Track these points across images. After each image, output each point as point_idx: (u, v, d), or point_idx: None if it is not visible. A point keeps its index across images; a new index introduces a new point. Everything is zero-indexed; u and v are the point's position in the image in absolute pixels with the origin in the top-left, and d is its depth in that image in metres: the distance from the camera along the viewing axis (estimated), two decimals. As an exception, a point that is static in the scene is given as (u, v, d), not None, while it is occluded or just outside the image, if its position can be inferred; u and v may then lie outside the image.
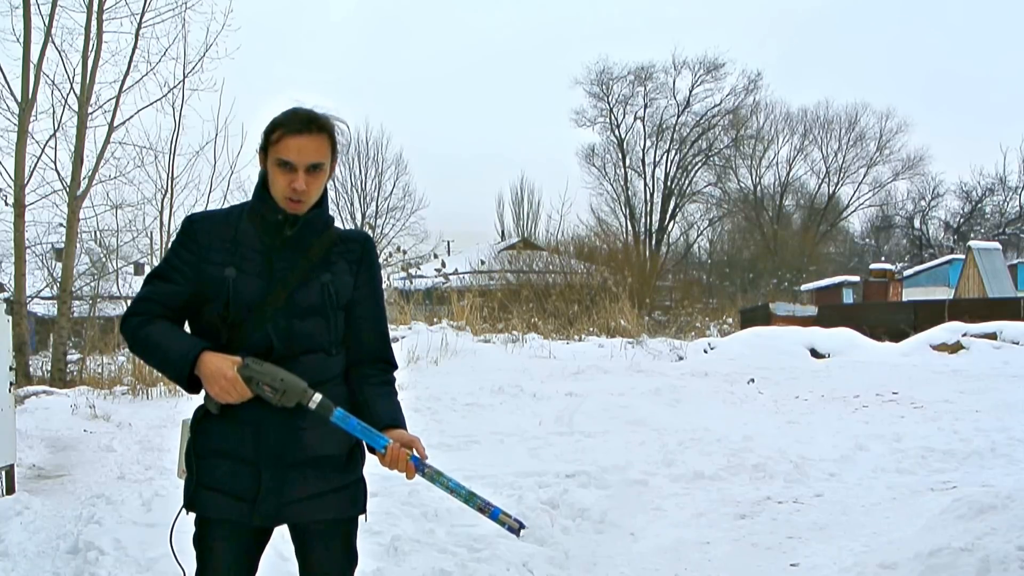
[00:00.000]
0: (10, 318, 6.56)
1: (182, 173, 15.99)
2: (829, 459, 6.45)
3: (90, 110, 13.76)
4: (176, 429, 2.52)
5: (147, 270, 20.51)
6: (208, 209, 2.13)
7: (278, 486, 2.02)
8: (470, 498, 2.02)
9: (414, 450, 2.01)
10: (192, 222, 2.08)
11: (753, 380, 10.56)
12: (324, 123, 2.02)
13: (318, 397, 1.95)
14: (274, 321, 2.01)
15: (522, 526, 2.03)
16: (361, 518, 2.18)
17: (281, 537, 2.20)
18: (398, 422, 2.09)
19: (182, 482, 2.13)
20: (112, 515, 4.64)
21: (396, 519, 4.73)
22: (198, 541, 2.09)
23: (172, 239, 2.13)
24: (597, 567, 4.25)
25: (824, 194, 42.50)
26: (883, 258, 35.99)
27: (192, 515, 2.10)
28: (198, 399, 2.12)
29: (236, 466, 2.01)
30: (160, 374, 2.09)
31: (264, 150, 2.03)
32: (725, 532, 4.80)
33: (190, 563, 2.13)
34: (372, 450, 2.02)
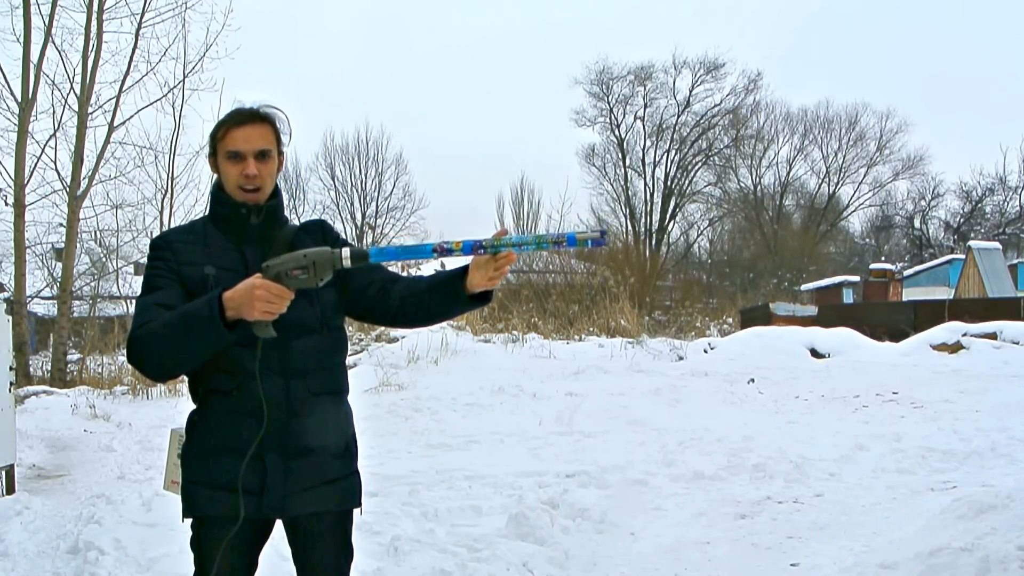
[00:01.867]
0: (10, 318, 6.56)
1: (182, 173, 16.01)
2: (829, 459, 6.45)
3: (90, 110, 13.77)
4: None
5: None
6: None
7: (282, 477, 2.03)
8: (540, 241, 1.93)
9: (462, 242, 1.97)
10: (160, 238, 2.14)
11: (753, 380, 10.56)
12: (264, 114, 2.11)
13: (347, 251, 1.87)
14: None
15: (603, 232, 1.91)
16: (356, 512, 2.20)
17: (281, 537, 2.20)
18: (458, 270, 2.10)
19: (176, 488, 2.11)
20: (112, 515, 4.65)
21: (396, 519, 4.73)
22: (197, 543, 2.08)
23: (145, 264, 2.12)
24: (597, 567, 4.25)
25: (824, 194, 42.49)
26: (883, 258, 35.97)
27: (189, 519, 2.09)
28: (192, 405, 2.11)
29: (239, 460, 2.00)
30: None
31: (213, 154, 2.11)
32: (725, 532, 4.80)
33: (185, 563, 2.12)
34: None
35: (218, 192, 2.12)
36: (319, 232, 2.20)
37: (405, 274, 2.26)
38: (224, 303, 1.85)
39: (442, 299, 2.12)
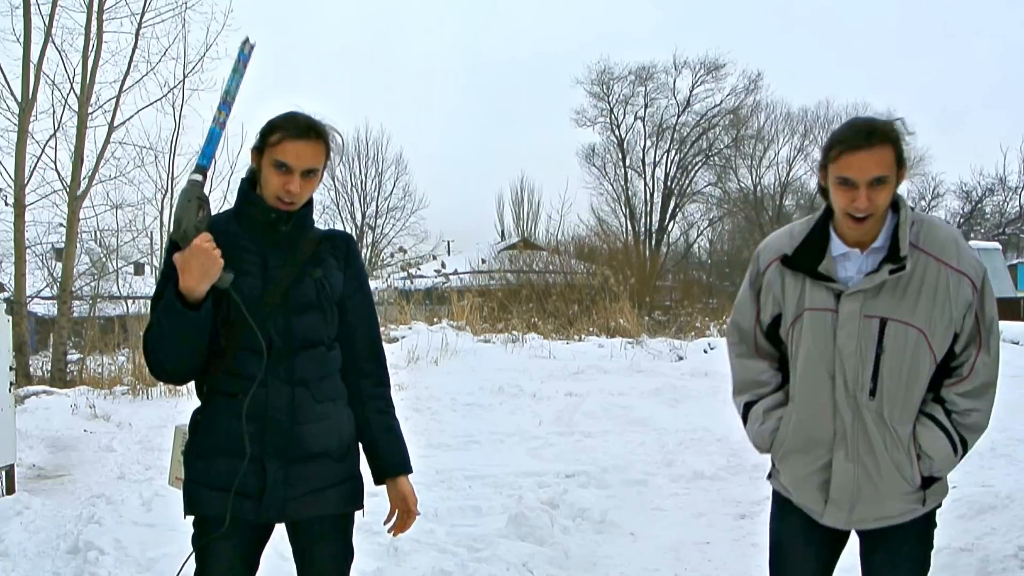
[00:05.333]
0: (10, 318, 6.56)
1: (182, 173, 15.99)
2: (829, 459, 6.44)
3: (90, 110, 13.75)
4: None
5: (147, 270, 20.57)
6: None
7: (283, 481, 2.03)
8: (232, 80, 2.03)
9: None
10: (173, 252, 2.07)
11: (753, 380, 10.53)
12: (322, 130, 2.08)
13: (196, 177, 1.97)
14: (273, 319, 2.04)
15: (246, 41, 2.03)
16: (358, 513, 2.21)
17: (281, 537, 2.20)
18: (404, 464, 2.21)
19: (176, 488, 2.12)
20: (112, 515, 4.64)
21: (396, 519, 4.73)
22: (198, 541, 2.09)
23: (163, 259, 2.12)
24: (597, 567, 4.25)
25: (824, 194, 42.49)
26: (883, 258, 35.91)
27: (191, 517, 2.09)
28: (197, 402, 2.12)
29: (240, 463, 2.01)
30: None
31: (259, 150, 2.07)
32: (725, 532, 4.80)
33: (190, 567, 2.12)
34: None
35: (250, 191, 2.10)
36: (344, 247, 2.19)
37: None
38: (187, 290, 1.92)
39: (365, 450, 2.24)
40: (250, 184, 2.11)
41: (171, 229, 1.98)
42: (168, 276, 2.01)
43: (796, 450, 2.09)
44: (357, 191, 40.48)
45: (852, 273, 2.04)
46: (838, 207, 2.00)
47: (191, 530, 2.12)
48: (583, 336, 16.95)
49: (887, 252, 2.01)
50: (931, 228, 2.05)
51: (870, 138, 1.93)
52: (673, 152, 40.84)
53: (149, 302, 2.09)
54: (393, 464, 2.20)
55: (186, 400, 9.44)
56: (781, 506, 2.25)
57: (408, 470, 2.22)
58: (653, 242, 39.55)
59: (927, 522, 2.15)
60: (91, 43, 13.72)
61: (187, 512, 2.08)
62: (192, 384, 2.13)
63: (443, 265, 29.06)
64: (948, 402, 2.08)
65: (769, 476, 2.28)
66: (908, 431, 2.02)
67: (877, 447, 2.01)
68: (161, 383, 11.50)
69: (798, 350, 2.07)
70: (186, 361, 2.01)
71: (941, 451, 2.05)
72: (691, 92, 40.20)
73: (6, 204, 13.21)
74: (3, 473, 5.99)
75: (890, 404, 2.00)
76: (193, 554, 2.09)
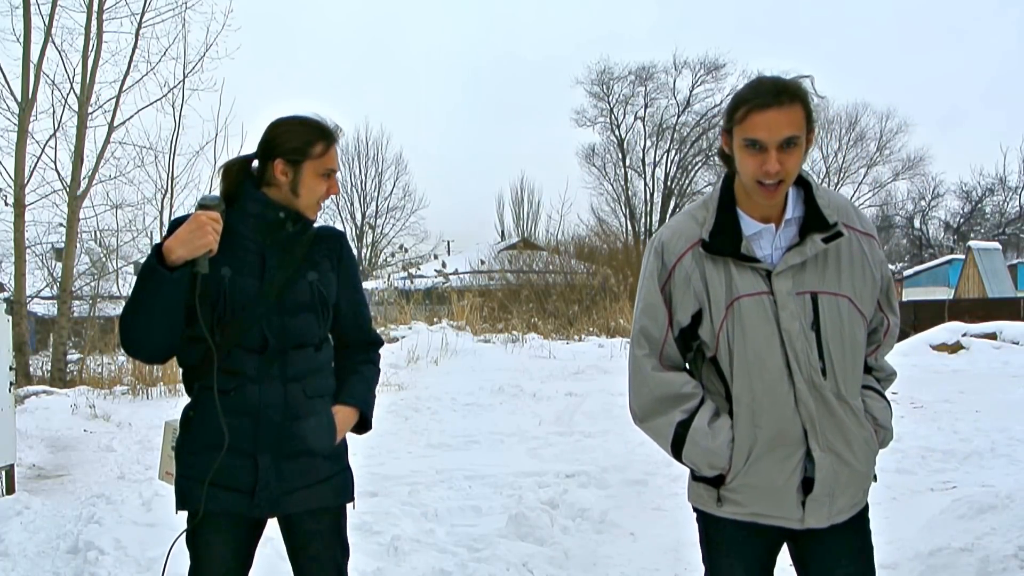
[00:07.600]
0: (10, 318, 6.57)
1: (182, 173, 15.99)
2: (829, 459, 6.43)
3: (90, 110, 13.76)
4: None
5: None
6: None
7: (275, 477, 2.05)
8: None
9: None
10: (180, 224, 2.07)
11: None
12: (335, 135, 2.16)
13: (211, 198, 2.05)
14: (267, 319, 2.05)
15: None
16: (350, 508, 2.23)
17: (280, 536, 2.21)
18: (355, 398, 2.20)
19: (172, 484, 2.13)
20: (112, 515, 4.64)
21: (396, 519, 4.73)
22: (192, 537, 2.10)
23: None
24: (597, 567, 4.25)
25: (824, 194, 42.49)
26: (883, 258, 35.96)
27: (184, 512, 2.10)
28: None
29: (233, 458, 2.02)
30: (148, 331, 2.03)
31: (296, 161, 2.08)
32: (725, 532, 4.79)
33: (184, 563, 2.13)
34: None
35: (254, 190, 2.11)
36: (337, 248, 2.21)
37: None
38: (166, 250, 1.94)
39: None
40: (254, 184, 2.11)
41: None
42: None
43: (764, 456, 1.87)
44: (357, 191, 40.59)
45: (768, 251, 1.89)
46: (746, 174, 1.84)
47: (186, 526, 2.12)
48: (583, 336, 16.96)
49: (803, 223, 1.90)
50: (828, 194, 1.96)
51: (780, 96, 1.79)
52: (673, 152, 40.87)
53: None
54: (345, 396, 2.20)
55: (186, 399, 9.44)
56: (726, 543, 2.01)
57: (356, 405, 2.19)
58: (653, 242, 39.54)
59: (865, 512, 2.00)
60: (91, 43, 13.73)
61: (179, 507, 2.10)
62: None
63: (443, 265, 29.08)
64: (876, 368, 2.03)
65: (700, 513, 2.05)
66: (860, 404, 1.92)
67: (845, 427, 1.87)
68: (161, 383, 11.53)
69: (734, 345, 1.87)
70: (153, 334, 2.00)
71: (888, 420, 1.97)
72: (691, 92, 40.23)
73: (6, 204, 13.23)
74: (3, 473, 5.99)
75: (843, 379, 1.87)
76: (179, 538, 2.10)
